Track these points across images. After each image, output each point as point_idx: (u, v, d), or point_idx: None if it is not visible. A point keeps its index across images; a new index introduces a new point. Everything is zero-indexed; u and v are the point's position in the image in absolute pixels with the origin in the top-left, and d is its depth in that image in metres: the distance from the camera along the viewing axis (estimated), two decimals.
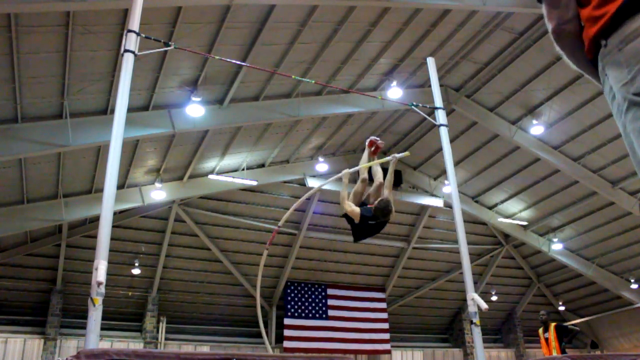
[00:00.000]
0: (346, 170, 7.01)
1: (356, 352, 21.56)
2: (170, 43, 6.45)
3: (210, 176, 17.69)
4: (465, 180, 20.69)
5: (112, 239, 4.58)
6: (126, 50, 5.28)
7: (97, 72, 11.96)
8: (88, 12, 10.32)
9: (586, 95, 16.20)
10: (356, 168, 7.15)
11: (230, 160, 17.55)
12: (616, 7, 1.47)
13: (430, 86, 7.96)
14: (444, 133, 7.34)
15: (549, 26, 1.77)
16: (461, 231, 6.73)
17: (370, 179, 6.96)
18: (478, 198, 22.04)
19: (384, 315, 22.76)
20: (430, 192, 21.36)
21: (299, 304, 21.40)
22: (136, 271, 19.08)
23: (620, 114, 1.50)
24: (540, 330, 10.83)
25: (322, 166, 18.82)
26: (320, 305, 21.63)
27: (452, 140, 9.17)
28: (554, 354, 10.23)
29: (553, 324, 10.69)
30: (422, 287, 24.09)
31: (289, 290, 21.47)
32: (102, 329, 4.29)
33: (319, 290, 21.98)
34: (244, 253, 20.59)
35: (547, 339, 10.58)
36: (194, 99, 13.29)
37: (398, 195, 20.83)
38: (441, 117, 7.44)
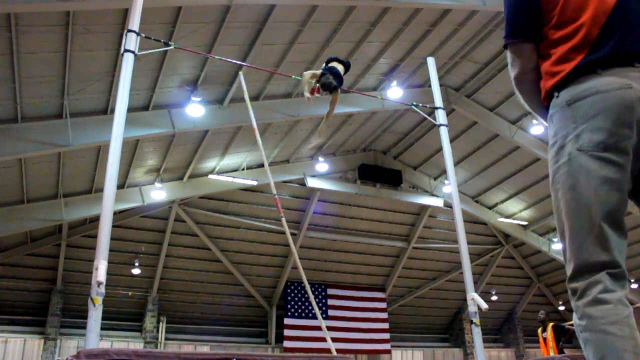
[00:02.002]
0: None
1: (356, 352, 21.56)
2: (170, 43, 6.45)
3: (210, 176, 17.69)
4: (465, 180, 20.69)
5: (112, 239, 4.58)
6: (126, 50, 5.28)
7: (97, 72, 11.96)
8: (88, 12, 10.31)
9: None
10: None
11: (230, 160, 17.54)
12: (570, 68, 1.74)
13: (430, 86, 7.97)
14: (444, 133, 7.34)
15: (512, 73, 1.99)
16: (461, 231, 6.73)
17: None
18: (478, 198, 22.04)
19: (384, 315, 22.76)
20: (430, 192, 21.35)
21: (299, 303, 21.39)
22: (136, 271, 19.07)
23: (555, 163, 1.72)
24: (539, 330, 10.83)
25: (322, 166, 18.82)
26: (321, 305, 21.62)
27: (452, 140, 9.17)
28: (552, 354, 10.22)
29: (551, 324, 10.68)
30: (422, 287, 24.08)
31: (289, 290, 21.47)
32: (102, 329, 4.29)
33: (319, 290, 21.98)
34: (244, 253, 20.59)
35: (545, 339, 10.57)
36: (194, 98, 13.29)
37: (398, 195, 20.85)
38: (441, 117, 7.44)
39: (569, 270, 1.68)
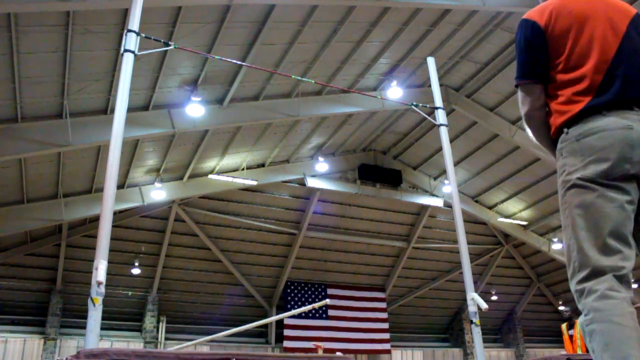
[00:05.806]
0: None
1: (356, 352, 21.56)
2: (170, 43, 6.45)
3: (210, 176, 17.69)
4: (465, 180, 20.69)
5: (112, 238, 4.58)
6: (126, 50, 5.28)
7: (97, 72, 11.96)
8: (88, 12, 10.31)
9: None
10: None
11: (230, 160, 17.54)
12: (579, 108, 1.97)
13: (430, 86, 7.97)
14: (444, 133, 7.34)
15: (522, 110, 2.23)
16: (461, 231, 6.74)
17: None
18: (478, 198, 22.04)
19: (384, 315, 22.76)
20: (430, 192, 21.35)
21: (299, 303, 21.39)
22: (136, 271, 19.07)
23: (564, 187, 1.95)
24: (564, 327, 10.41)
25: (322, 166, 18.82)
26: None
27: (452, 140, 9.19)
28: (579, 352, 9.96)
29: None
30: (422, 287, 24.08)
31: (289, 290, 21.47)
32: (102, 329, 4.29)
33: (319, 290, 21.97)
34: (244, 253, 20.58)
35: (571, 336, 10.28)
36: (194, 98, 13.29)
37: (398, 195, 20.86)
38: (441, 117, 7.44)
39: (579, 276, 1.86)
